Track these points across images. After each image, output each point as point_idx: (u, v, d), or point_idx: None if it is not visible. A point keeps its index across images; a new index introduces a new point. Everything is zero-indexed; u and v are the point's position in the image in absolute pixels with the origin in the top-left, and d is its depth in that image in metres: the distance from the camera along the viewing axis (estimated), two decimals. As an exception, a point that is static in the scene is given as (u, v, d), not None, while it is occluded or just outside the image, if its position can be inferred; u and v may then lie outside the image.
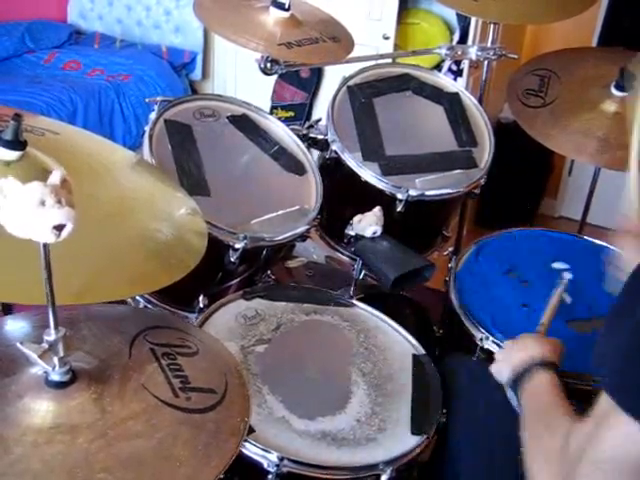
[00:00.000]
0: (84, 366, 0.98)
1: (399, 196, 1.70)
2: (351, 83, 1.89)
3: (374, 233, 1.62)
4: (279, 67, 1.80)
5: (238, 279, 1.65)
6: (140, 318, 1.15)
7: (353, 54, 1.83)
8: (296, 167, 1.72)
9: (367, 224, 1.62)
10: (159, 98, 1.66)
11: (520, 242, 1.81)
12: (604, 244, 1.82)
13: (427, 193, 1.74)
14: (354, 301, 1.60)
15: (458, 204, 2.02)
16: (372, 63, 1.97)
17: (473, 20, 2.85)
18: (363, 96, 1.87)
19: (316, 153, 1.84)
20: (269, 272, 1.75)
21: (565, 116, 1.81)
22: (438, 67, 3.01)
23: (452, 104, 1.94)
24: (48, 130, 1.20)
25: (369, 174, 1.72)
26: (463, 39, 3.01)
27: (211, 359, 1.10)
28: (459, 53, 2.08)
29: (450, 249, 2.10)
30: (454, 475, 1.38)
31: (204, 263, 1.14)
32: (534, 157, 3.00)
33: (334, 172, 1.77)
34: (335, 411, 1.31)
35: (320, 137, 1.81)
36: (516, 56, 2.12)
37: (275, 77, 3.39)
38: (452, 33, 3.19)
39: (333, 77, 3.02)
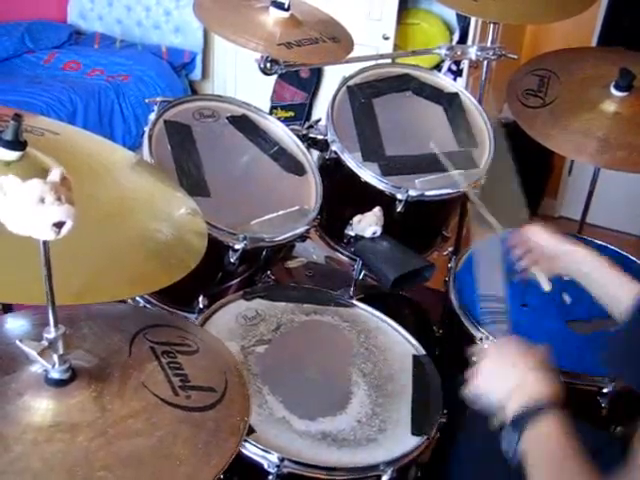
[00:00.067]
0: (84, 364, 0.98)
1: (399, 196, 1.70)
2: (351, 83, 1.89)
3: (374, 233, 1.62)
4: (279, 67, 1.80)
5: (238, 279, 1.65)
6: (140, 316, 1.16)
7: (353, 54, 1.83)
8: (296, 167, 1.72)
9: (367, 224, 1.62)
10: (159, 98, 1.66)
11: (520, 242, 1.80)
12: (604, 244, 1.82)
13: (427, 193, 1.73)
14: (354, 301, 1.60)
15: (458, 204, 2.02)
16: (372, 63, 1.98)
17: (473, 20, 2.85)
18: (363, 96, 1.87)
19: (316, 153, 1.84)
20: (269, 272, 1.74)
21: (565, 116, 1.81)
22: (438, 67, 3.02)
23: (452, 104, 1.94)
24: (48, 130, 1.20)
25: (369, 174, 1.72)
26: (463, 39, 3.01)
27: (211, 358, 1.10)
28: (459, 53, 2.08)
29: (450, 249, 2.10)
30: (454, 475, 1.38)
31: (204, 263, 1.14)
32: (534, 157, 2.98)
33: (334, 172, 1.77)
34: (336, 412, 1.31)
35: (320, 137, 1.81)
36: (516, 56, 2.12)
37: (275, 77, 3.39)
38: (452, 33, 3.19)
39: (333, 77, 3.02)
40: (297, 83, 3.41)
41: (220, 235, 1.47)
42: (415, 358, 1.48)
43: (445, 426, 1.35)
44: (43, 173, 0.83)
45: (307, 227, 1.62)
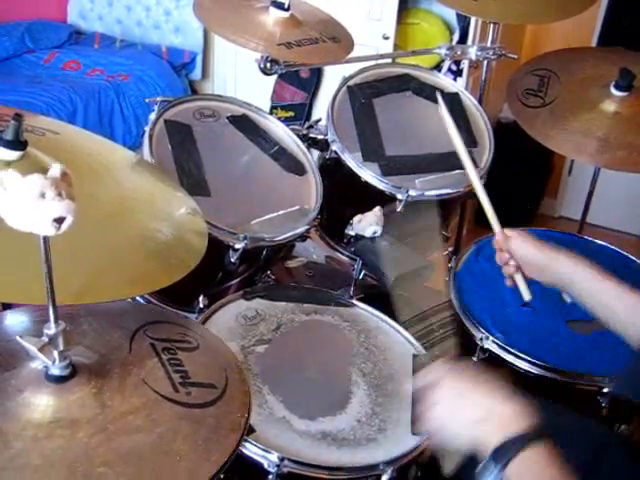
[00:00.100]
0: (84, 360, 0.98)
1: (399, 196, 1.70)
2: (351, 83, 1.89)
3: (374, 233, 1.62)
4: (279, 67, 1.80)
5: (238, 279, 1.65)
6: (140, 313, 1.15)
7: (353, 54, 1.83)
8: (296, 167, 1.72)
9: (367, 224, 1.62)
10: (159, 98, 1.66)
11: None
12: (604, 244, 1.82)
13: (427, 193, 1.74)
14: (354, 301, 1.60)
15: (458, 204, 2.02)
16: (372, 63, 1.98)
17: (473, 20, 2.85)
18: (363, 96, 1.87)
19: (316, 153, 1.84)
20: (269, 272, 1.74)
21: (565, 116, 1.81)
22: (438, 67, 3.02)
23: (452, 104, 1.94)
24: (48, 130, 1.20)
25: (369, 174, 1.72)
26: (463, 39, 3.01)
27: (211, 354, 1.10)
28: (459, 53, 2.09)
29: (450, 249, 2.10)
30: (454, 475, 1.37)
31: (204, 263, 1.14)
32: (534, 157, 3.00)
33: (334, 172, 1.77)
34: (335, 411, 1.31)
35: (320, 137, 1.81)
36: (516, 56, 2.12)
37: (275, 77, 3.39)
38: (452, 33, 3.19)
39: (333, 77, 3.02)
40: (297, 83, 3.41)
41: (220, 235, 1.48)
42: (415, 358, 1.48)
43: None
44: (43, 173, 0.83)
45: (307, 227, 1.62)
